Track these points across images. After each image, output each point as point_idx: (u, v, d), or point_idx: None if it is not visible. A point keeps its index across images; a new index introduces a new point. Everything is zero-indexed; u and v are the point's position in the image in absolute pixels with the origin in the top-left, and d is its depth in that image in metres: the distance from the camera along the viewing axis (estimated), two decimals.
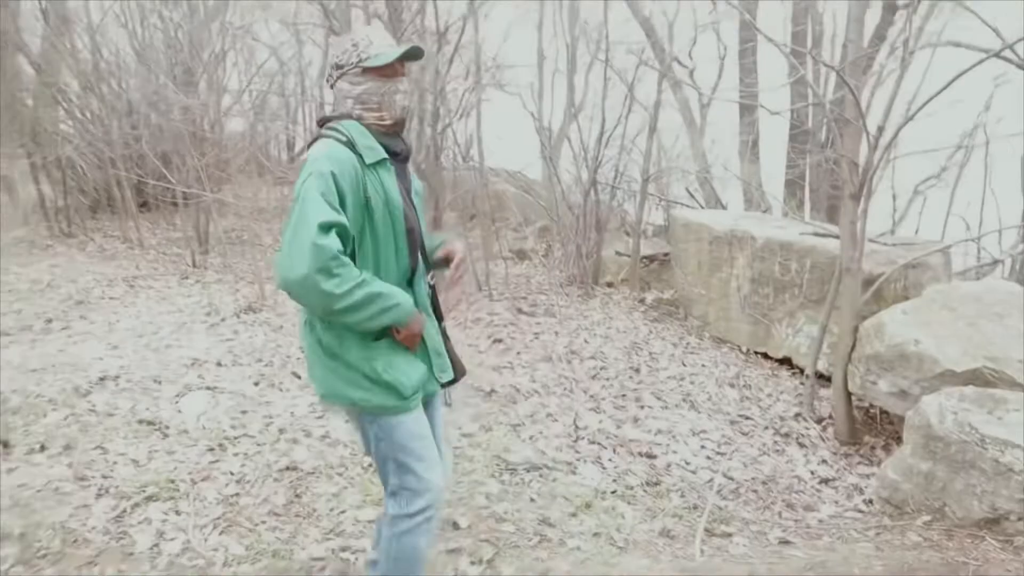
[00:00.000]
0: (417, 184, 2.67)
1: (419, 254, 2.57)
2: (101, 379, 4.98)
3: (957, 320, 4.90)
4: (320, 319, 2.47)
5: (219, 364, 5.44)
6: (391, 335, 2.48)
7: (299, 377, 5.28)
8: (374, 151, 2.45)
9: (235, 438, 4.38)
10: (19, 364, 5.24)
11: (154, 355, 5.53)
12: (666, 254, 7.96)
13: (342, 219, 2.30)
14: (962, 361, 4.53)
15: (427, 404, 2.64)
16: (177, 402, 4.78)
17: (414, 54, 2.50)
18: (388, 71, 2.50)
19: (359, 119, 2.52)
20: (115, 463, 3.99)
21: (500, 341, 6.40)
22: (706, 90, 13.60)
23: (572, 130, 10.35)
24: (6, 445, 4.14)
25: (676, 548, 3.78)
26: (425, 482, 2.53)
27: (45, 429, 4.32)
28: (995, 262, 7.81)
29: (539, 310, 7.16)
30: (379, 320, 2.39)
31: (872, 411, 5.51)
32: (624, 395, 5.56)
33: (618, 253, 8.33)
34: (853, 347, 5.16)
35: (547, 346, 6.32)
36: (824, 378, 5.70)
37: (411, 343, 2.51)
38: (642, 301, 7.60)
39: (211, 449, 4.22)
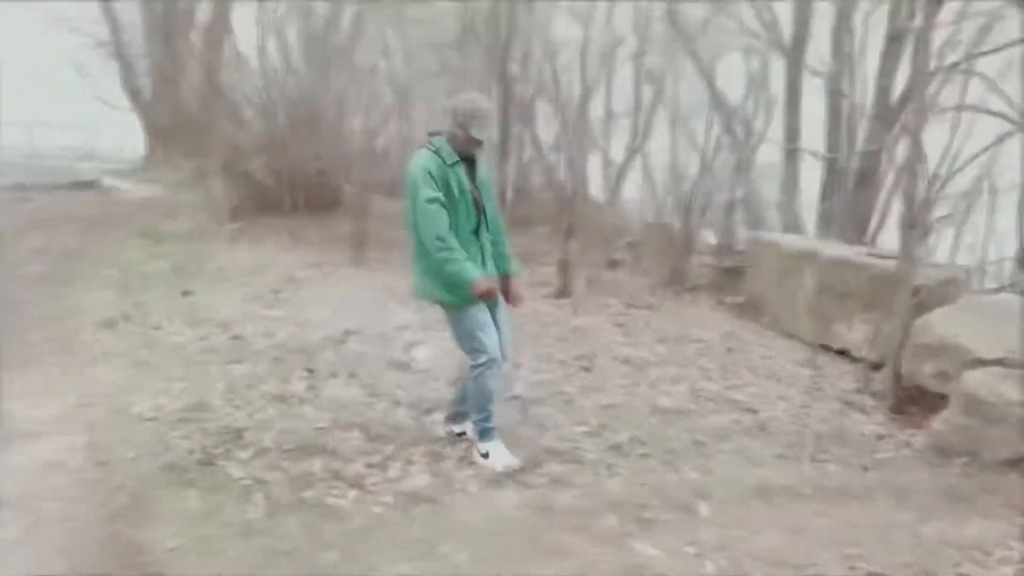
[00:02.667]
0: (483, 175, 4.36)
1: (481, 215, 4.28)
2: (346, 332, 6.28)
3: (984, 321, 6.10)
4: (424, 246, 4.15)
5: (423, 328, 6.71)
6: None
7: None
8: (451, 157, 4.17)
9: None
10: (281, 318, 6.58)
11: (372, 319, 6.81)
12: (741, 266, 9.17)
13: (434, 192, 4.07)
14: (990, 351, 5.71)
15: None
16: (409, 351, 6.07)
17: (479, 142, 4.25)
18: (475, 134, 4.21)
19: (450, 140, 4.20)
20: (396, 386, 5.28)
21: (621, 326, 7.65)
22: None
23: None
24: (311, 372, 5.46)
25: (792, 467, 4.99)
26: (485, 345, 4.22)
27: (328, 364, 5.63)
28: (1000, 288, 8.94)
29: (642, 305, 8.41)
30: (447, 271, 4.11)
31: (913, 392, 6.68)
32: (725, 368, 6.78)
33: (702, 266, 9.60)
34: (904, 340, 6.35)
35: (656, 331, 7.56)
36: (875, 366, 6.87)
37: (481, 297, 4.12)
38: (721, 302, 8.83)
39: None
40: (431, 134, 4.32)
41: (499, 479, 4.23)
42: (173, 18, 16.22)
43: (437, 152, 4.17)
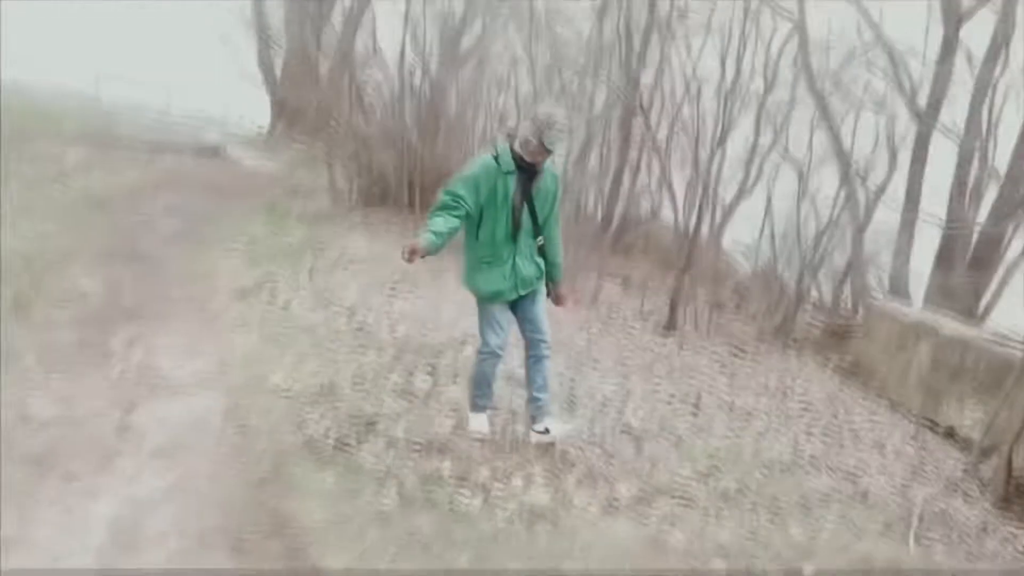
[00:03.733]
0: (546, 186, 4.52)
1: (519, 225, 4.47)
2: (466, 337, 6.41)
3: None
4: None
5: None
6: (493, 263, 4.49)
7: (597, 366, 6.62)
8: (508, 165, 4.38)
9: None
10: (401, 313, 6.77)
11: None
12: (850, 327, 9.04)
13: (461, 191, 4.32)
14: None
15: (525, 297, 4.65)
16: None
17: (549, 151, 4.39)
18: (537, 148, 4.35)
19: (521, 146, 4.36)
20: (514, 399, 5.38)
21: (726, 370, 7.63)
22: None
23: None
24: (432, 371, 5.60)
25: (895, 544, 4.92)
26: (488, 342, 4.65)
27: (448, 367, 5.77)
28: None
29: (748, 352, 8.36)
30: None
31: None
32: (829, 431, 6.70)
33: (810, 324, 9.49)
34: (1021, 432, 6.18)
35: (761, 382, 7.52)
36: (984, 452, 6.70)
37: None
38: (827, 361, 8.71)
39: None
40: (509, 134, 4.57)
41: (616, 507, 4.29)
42: (316, 3, 16.70)
43: (496, 158, 4.42)
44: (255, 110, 19.33)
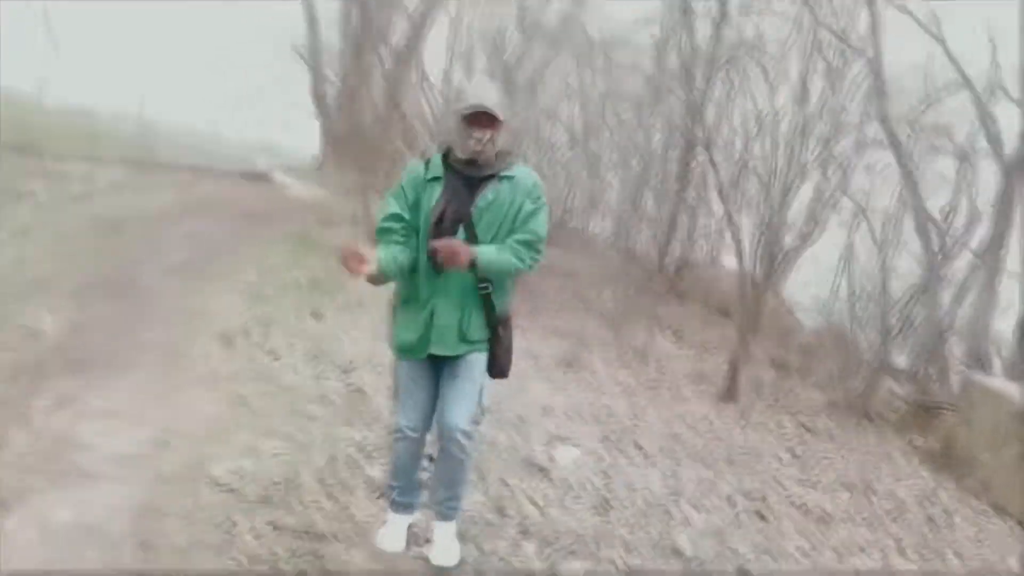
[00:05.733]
0: (501, 200, 3.03)
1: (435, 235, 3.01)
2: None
3: None
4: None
5: (571, 415, 5.42)
6: (409, 304, 3.10)
7: (642, 449, 5.19)
8: (435, 170, 3.06)
9: None
10: None
11: (511, 395, 5.55)
12: (944, 406, 7.43)
13: (393, 208, 3.06)
14: None
15: (446, 362, 3.11)
16: (550, 448, 4.77)
17: (477, 110, 2.93)
18: (468, 120, 2.95)
19: (448, 148, 3.10)
20: (527, 500, 3.98)
21: (795, 454, 6.11)
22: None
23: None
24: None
25: None
26: (398, 415, 3.20)
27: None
28: None
29: (819, 431, 6.83)
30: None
31: None
32: (925, 544, 5.15)
33: (892, 396, 7.88)
34: None
35: (838, 471, 5.99)
36: None
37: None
38: (912, 444, 7.11)
39: None
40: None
41: None
42: (367, 33, 15.76)
43: (427, 161, 3.15)
44: (309, 140, 18.39)
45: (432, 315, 3.05)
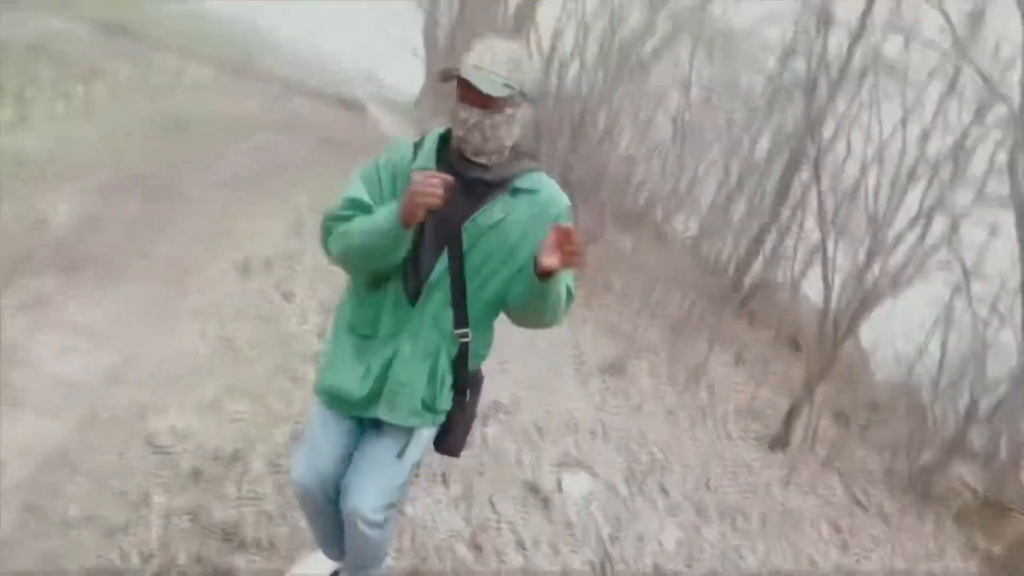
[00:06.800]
0: (508, 226, 2.01)
1: (419, 280, 2.04)
2: (495, 405, 4.32)
3: None
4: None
5: (594, 430, 4.67)
6: (359, 336, 2.12)
7: (667, 493, 4.41)
8: (426, 157, 2.02)
9: None
10: None
11: (536, 389, 4.83)
12: (1018, 509, 6.41)
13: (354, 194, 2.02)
14: None
15: (378, 426, 2.17)
16: (560, 472, 4.03)
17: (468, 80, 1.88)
18: (460, 90, 1.92)
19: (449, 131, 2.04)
20: (533, 539, 3.26)
21: (839, 529, 5.25)
22: None
23: None
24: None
25: None
26: (295, 462, 2.30)
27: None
28: None
29: (871, 506, 5.92)
30: (369, 238, 1.94)
31: None
32: None
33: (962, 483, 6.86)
34: None
35: (884, 558, 5.11)
36: None
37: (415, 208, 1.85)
38: (971, 541, 6.13)
39: None
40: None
41: None
42: None
43: (419, 142, 2.09)
44: (410, 81, 17.78)
45: (390, 364, 2.09)
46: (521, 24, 14.90)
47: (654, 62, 12.33)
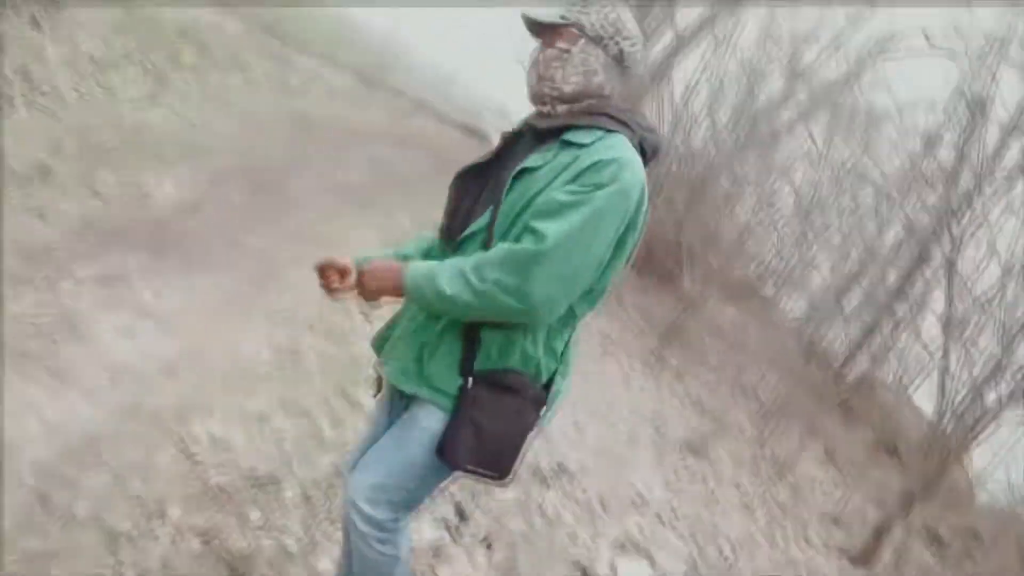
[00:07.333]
0: (532, 164, 1.76)
1: (454, 217, 1.88)
2: (560, 468, 3.96)
3: None
4: None
5: (665, 502, 4.25)
6: None
7: None
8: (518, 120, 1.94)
9: None
10: None
11: (601, 461, 4.45)
12: None
13: None
14: None
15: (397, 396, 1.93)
16: (616, 554, 3.62)
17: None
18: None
19: None
20: None
21: None
22: None
23: None
24: (458, 521, 3.20)
25: None
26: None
27: (495, 525, 3.33)
28: None
29: None
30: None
31: None
32: None
33: None
34: None
35: None
36: None
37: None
38: None
39: None
40: None
41: None
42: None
43: None
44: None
45: (399, 318, 1.95)
46: (658, 74, 14.61)
47: (787, 133, 11.81)
